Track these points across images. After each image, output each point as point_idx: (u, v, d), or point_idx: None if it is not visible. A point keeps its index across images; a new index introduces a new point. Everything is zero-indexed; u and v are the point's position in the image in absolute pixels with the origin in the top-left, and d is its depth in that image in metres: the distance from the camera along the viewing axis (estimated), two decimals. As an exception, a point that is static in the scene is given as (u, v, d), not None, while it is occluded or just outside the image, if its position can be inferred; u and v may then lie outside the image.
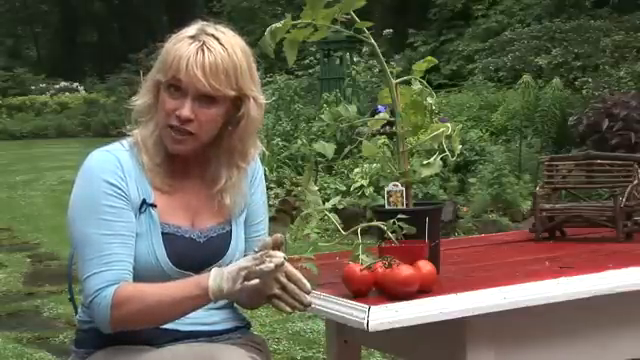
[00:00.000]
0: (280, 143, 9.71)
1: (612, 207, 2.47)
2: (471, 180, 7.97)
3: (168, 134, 1.97)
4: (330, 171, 8.73)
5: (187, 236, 2.01)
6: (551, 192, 2.64)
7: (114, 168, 1.97)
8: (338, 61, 11.93)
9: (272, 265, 1.79)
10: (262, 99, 2.01)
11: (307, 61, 14.88)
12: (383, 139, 4.67)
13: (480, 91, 11.80)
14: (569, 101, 9.94)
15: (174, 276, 1.95)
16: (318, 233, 2.12)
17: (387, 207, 2.01)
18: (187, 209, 2.04)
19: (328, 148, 2.10)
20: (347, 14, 1.95)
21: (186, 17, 2.25)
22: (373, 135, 2.43)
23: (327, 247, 2.23)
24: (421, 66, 2.09)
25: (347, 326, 1.80)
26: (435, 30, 18.41)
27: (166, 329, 1.97)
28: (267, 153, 8.77)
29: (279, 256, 1.81)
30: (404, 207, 1.99)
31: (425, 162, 2.04)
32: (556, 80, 10.21)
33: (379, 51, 2.06)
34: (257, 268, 1.80)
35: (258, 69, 2.03)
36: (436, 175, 3.70)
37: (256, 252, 1.84)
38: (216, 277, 1.84)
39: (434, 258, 1.93)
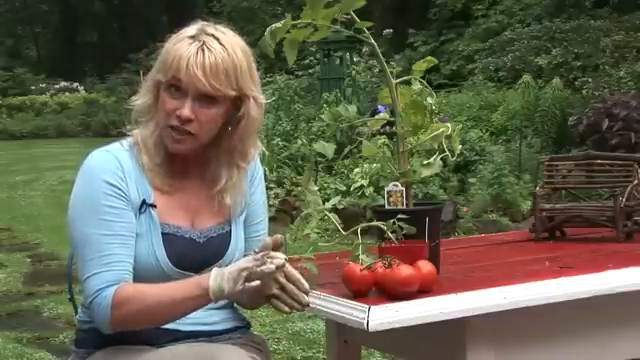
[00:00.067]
0: (280, 143, 9.71)
1: (612, 207, 2.47)
2: (471, 180, 7.97)
3: (168, 134, 1.97)
4: (330, 171, 8.73)
5: (187, 236, 2.01)
6: (551, 192, 2.64)
7: (114, 168, 1.97)
8: (338, 61, 11.93)
9: (273, 267, 1.79)
10: (262, 99, 2.02)
11: (307, 61, 14.88)
12: (383, 139, 4.67)
13: (480, 91, 11.80)
14: (569, 101, 9.94)
15: (174, 276, 1.95)
16: (318, 233, 2.12)
17: (387, 207, 2.01)
18: (187, 209, 2.04)
19: (328, 148, 2.10)
20: (347, 14, 1.95)
21: (186, 17, 2.25)
22: (373, 135, 2.43)
23: (327, 247, 2.23)
24: (421, 66, 2.09)
25: (347, 326, 1.80)
26: (435, 30, 18.41)
27: (166, 329, 1.97)
28: (267, 153, 8.77)
29: (280, 257, 1.81)
30: (404, 207, 1.99)
31: (425, 162, 2.04)
32: (556, 80, 10.21)
33: (379, 51, 2.06)
34: (258, 269, 1.80)
35: (258, 69, 2.03)
36: (436, 175, 3.70)
37: (256, 253, 1.84)
38: (216, 277, 1.84)
39: (434, 258, 1.93)
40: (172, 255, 1.97)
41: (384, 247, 1.89)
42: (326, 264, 2.08)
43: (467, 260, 2.29)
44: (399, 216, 1.88)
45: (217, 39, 1.94)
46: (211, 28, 1.96)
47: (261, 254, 1.82)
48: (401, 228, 1.87)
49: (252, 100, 1.98)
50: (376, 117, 2.14)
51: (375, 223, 1.93)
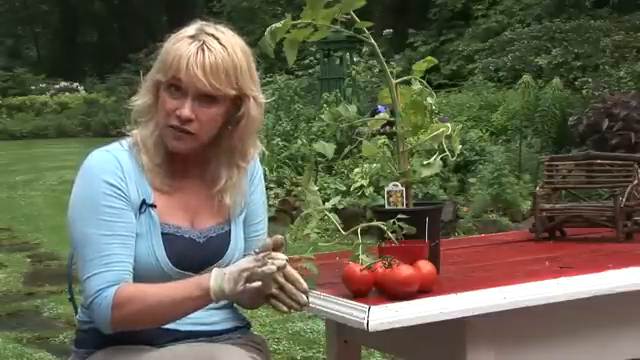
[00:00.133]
0: (280, 143, 9.71)
1: (612, 207, 2.47)
2: (471, 180, 7.97)
3: (168, 134, 1.97)
4: (330, 171, 8.73)
5: (187, 236, 2.01)
6: (551, 192, 2.64)
7: (114, 168, 1.96)
8: (338, 61, 11.93)
9: (274, 267, 1.80)
10: (262, 98, 2.02)
11: (307, 61, 14.88)
12: (383, 139, 4.67)
13: (480, 91, 11.80)
14: (569, 101, 9.94)
15: (174, 276, 1.95)
16: (318, 233, 2.13)
17: (387, 207, 2.01)
18: (186, 209, 2.03)
19: (328, 148, 2.10)
20: (347, 14, 1.95)
21: (186, 17, 2.25)
22: (373, 135, 2.43)
23: (327, 247, 2.23)
24: (421, 66, 2.09)
25: (347, 326, 1.80)
26: (435, 30, 18.41)
27: (167, 329, 1.97)
28: (267, 153, 8.77)
29: (281, 258, 1.81)
30: (404, 207, 1.99)
31: (425, 162, 2.04)
32: (556, 80, 10.21)
33: (379, 51, 2.06)
34: (259, 270, 1.80)
35: (258, 69, 2.03)
36: (436, 175, 3.70)
37: (257, 253, 1.84)
38: (217, 277, 1.84)
39: (434, 258, 1.93)
40: (172, 255, 1.97)
41: (384, 247, 1.89)
42: (326, 264, 2.08)
43: (467, 260, 2.29)
44: (399, 216, 1.88)
45: (217, 39, 1.93)
46: (211, 28, 1.96)
47: (262, 255, 1.82)
48: (401, 228, 1.87)
49: (252, 100, 1.98)
50: (376, 117, 2.14)
51: (375, 223, 1.93)
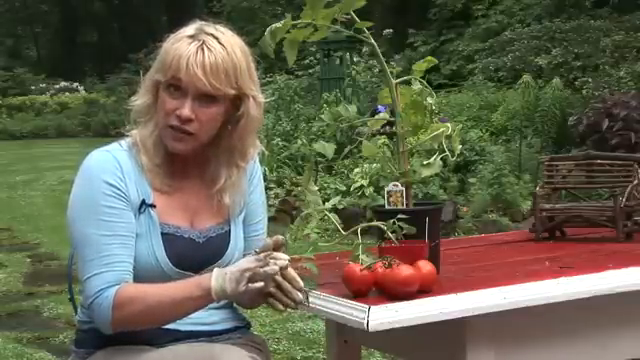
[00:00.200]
0: (280, 143, 9.71)
1: (612, 207, 2.47)
2: (471, 180, 7.97)
3: (168, 134, 1.96)
4: (330, 171, 8.73)
5: (187, 236, 2.01)
6: (551, 192, 2.64)
7: (113, 168, 1.96)
8: (338, 61, 11.93)
9: (277, 268, 1.80)
10: (261, 98, 2.02)
11: (307, 61, 14.88)
12: (383, 139, 4.67)
13: (480, 91, 11.80)
14: (569, 101, 9.94)
15: (174, 276, 1.95)
16: (318, 233, 2.13)
17: (387, 207, 2.01)
18: (186, 209, 2.03)
19: (328, 148, 2.10)
20: (347, 14, 1.95)
21: (186, 17, 2.24)
22: (373, 135, 2.43)
23: (327, 247, 2.23)
24: (421, 66, 2.09)
25: (347, 326, 1.80)
26: (435, 30, 18.41)
27: (167, 329, 1.97)
28: (267, 153, 8.77)
29: (283, 258, 1.81)
30: (404, 207, 1.99)
31: (425, 162, 2.04)
32: (556, 80, 10.22)
33: (379, 51, 2.06)
34: (261, 270, 1.80)
35: (258, 69, 2.03)
36: (436, 175, 3.70)
37: (257, 253, 1.84)
38: (218, 277, 1.84)
39: (434, 258, 1.92)
40: (172, 255, 1.97)
41: (384, 247, 1.88)
42: (326, 264, 2.08)
43: (467, 260, 2.28)
44: (399, 216, 1.88)
45: (216, 38, 1.93)
46: (210, 28, 1.96)
47: (263, 255, 1.82)
48: (401, 228, 1.87)
49: (251, 99, 1.98)
50: (376, 117, 2.14)
51: (375, 223, 1.93)
